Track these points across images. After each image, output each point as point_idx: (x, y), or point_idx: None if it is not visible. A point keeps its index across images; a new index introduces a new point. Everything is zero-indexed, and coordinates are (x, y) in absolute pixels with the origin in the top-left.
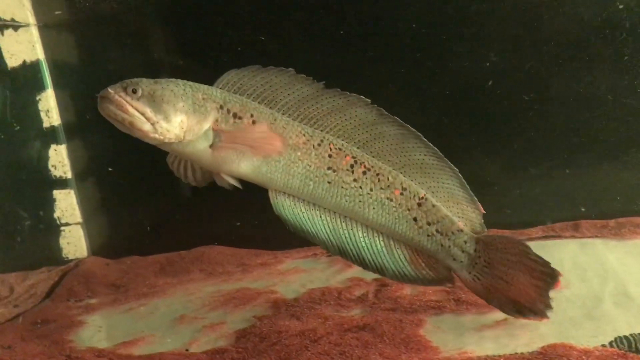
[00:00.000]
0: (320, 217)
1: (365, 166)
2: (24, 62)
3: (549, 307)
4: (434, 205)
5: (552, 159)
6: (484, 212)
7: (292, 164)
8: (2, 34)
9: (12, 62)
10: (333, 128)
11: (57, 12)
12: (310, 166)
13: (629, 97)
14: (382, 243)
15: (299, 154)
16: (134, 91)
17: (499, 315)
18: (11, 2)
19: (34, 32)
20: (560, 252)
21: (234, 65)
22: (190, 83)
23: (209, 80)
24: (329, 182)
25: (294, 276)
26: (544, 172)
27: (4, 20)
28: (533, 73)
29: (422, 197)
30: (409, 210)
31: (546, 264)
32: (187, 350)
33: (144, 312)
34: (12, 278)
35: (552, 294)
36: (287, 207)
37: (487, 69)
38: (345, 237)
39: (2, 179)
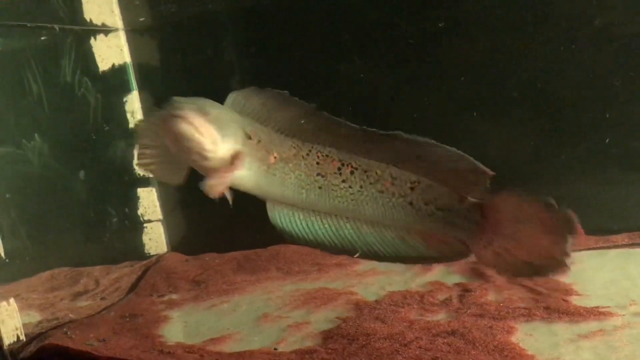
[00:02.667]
0: (321, 222)
1: (352, 166)
2: (113, 65)
3: (566, 255)
4: (428, 186)
5: (633, 166)
6: (491, 174)
7: (285, 176)
8: (95, 39)
9: (103, 65)
10: (322, 142)
11: (141, 19)
12: (301, 175)
13: None
14: (391, 234)
15: (290, 165)
16: (206, 113)
17: (593, 325)
18: (103, 9)
19: (122, 36)
20: None
21: (306, 70)
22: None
23: (289, 85)
24: (319, 188)
25: (372, 278)
26: (629, 177)
27: (97, 25)
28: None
29: (414, 182)
30: (403, 196)
31: (558, 210)
32: (275, 349)
33: (227, 309)
34: (96, 271)
35: None
36: (284, 218)
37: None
38: (352, 236)
39: (94, 176)
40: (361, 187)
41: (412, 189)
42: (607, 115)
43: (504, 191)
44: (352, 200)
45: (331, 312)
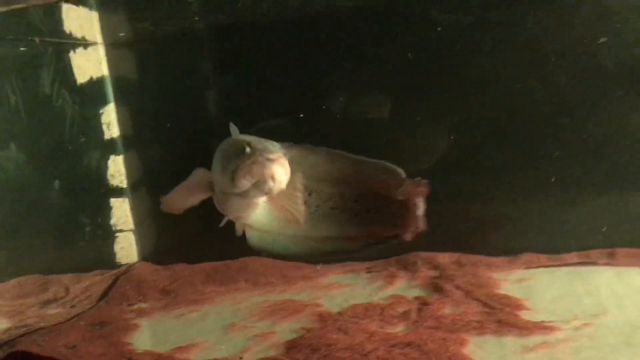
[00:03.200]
0: (291, 239)
1: (310, 189)
2: (91, 78)
3: None
4: (366, 195)
5: (588, 184)
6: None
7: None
8: (74, 52)
9: (81, 78)
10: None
11: (121, 34)
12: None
13: None
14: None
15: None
16: (285, 155)
17: (538, 338)
18: (83, 22)
19: (101, 50)
20: (596, 279)
21: (282, 90)
22: None
23: (264, 104)
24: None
25: (337, 291)
26: (578, 198)
27: (77, 39)
28: (573, 97)
29: (358, 195)
30: (349, 209)
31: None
32: (241, 358)
33: (195, 318)
34: (67, 279)
35: (591, 321)
36: (260, 239)
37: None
38: (315, 248)
39: (68, 186)
40: (317, 206)
41: (356, 201)
42: (557, 139)
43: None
44: (312, 218)
45: (296, 323)
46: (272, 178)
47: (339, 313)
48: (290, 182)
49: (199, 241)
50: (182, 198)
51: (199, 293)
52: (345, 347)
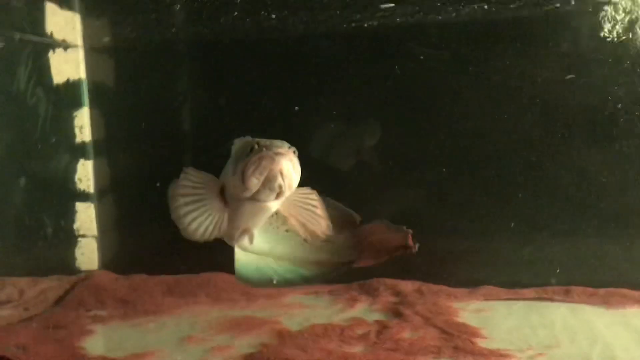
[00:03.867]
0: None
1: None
2: (68, 80)
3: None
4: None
5: (548, 224)
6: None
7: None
8: (54, 52)
9: (58, 79)
10: None
11: (105, 39)
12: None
13: (621, 174)
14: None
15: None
16: (295, 153)
17: None
18: (65, 24)
19: (81, 53)
20: (552, 313)
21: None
22: None
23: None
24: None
25: (298, 310)
26: (538, 237)
27: (57, 40)
28: (539, 138)
29: (305, 221)
30: (298, 235)
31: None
32: None
33: (153, 328)
34: (23, 282)
35: (544, 351)
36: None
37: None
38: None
39: (34, 185)
40: (277, 227)
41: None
42: (520, 178)
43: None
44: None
45: (255, 338)
46: (281, 174)
47: (299, 331)
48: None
49: (162, 253)
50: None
51: (158, 304)
52: None
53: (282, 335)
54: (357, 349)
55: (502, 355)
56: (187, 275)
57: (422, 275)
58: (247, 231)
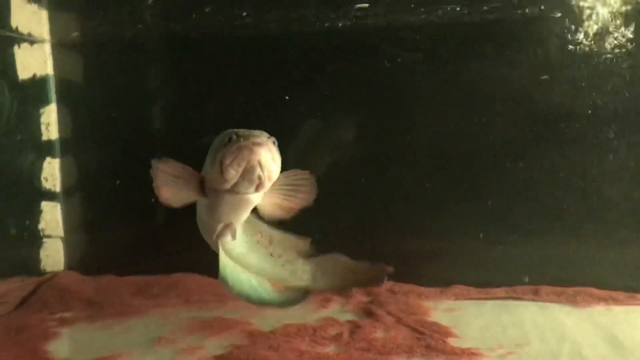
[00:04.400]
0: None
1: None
2: (34, 75)
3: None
4: (279, 242)
5: (519, 224)
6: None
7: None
8: (19, 47)
9: (24, 74)
10: None
11: (73, 34)
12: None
13: (590, 175)
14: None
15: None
16: (274, 143)
17: None
18: (31, 19)
19: (47, 48)
20: (521, 312)
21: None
22: None
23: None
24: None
25: (270, 311)
26: (508, 237)
27: (22, 34)
28: (512, 142)
29: (272, 236)
30: (266, 248)
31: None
32: None
33: (121, 330)
34: None
35: (515, 349)
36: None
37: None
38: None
39: None
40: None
41: (270, 242)
42: (490, 179)
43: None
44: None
45: (226, 339)
46: (260, 164)
47: (271, 332)
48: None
49: (131, 254)
50: (174, 190)
51: (126, 306)
52: None
53: (254, 336)
54: (329, 349)
55: (473, 354)
56: (157, 276)
57: (394, 275)
58: (229, 226)
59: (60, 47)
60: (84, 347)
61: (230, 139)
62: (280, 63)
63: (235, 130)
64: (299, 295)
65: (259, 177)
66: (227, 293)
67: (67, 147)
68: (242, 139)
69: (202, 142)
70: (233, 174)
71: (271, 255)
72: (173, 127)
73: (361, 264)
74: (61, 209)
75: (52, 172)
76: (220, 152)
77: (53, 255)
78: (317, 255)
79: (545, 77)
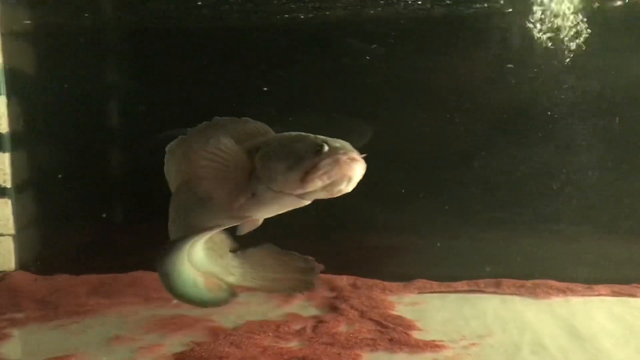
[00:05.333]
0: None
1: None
2: None
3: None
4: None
5: (479, 219)
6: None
7: None
8: None
9: None
10: None
11: (24, 23)
12: None
13: (549, 173)
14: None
15: None
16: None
17: (428, 356)
18: None
19: None
20: (483, 305)
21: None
22: None
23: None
24: None
25: (231, 308)
26: (469, 231)
27: None
28: (473, 137)
29: None
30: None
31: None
32: None
33: (76, 329)
34: None
35: (477, 341)
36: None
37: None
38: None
39: None
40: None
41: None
42: (452, 174)
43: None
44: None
45: (186, 337)
46: (349, 180)
47: (233, 329)
48: None
49: (86, 252)
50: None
51: (81, 305)
52: None
53: (216, 333)
54: (293, 344)
55: (437, 346)
56: (114, 275)
57: (357, 270)
58: (255, 222)
59: (10, 36)
60: (37, 347)
61: (321, 149)
62: (239, 55)
63: (324, 138)
64: (227, 294)
65: (340, 191)
66: None
67: (19, 140)
68: (339, 152)
69: (160, 137)
70: (319, 184)
71: (221, 257)
72: (130, 120)
73: (292, 254)
74: (12, 205)
75: (2, 167)
76: (309, 161)
77: (4, 254)
78: (245, 249)
79: (510, 65)
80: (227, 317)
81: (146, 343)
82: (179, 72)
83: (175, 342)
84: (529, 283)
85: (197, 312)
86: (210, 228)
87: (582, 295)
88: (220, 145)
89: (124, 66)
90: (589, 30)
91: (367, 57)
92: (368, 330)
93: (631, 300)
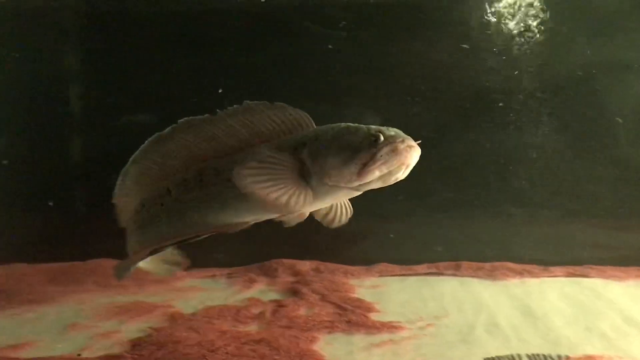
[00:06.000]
0: None
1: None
2: None
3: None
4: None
5: (439, 205)
6: None
7: None
8: None
9: None
10: None
11: None
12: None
13: (509, 156)
14: None
15: None
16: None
17: (385, 336)
18: None
19: None
20: (442, 286)
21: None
22: None
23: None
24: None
25: (192, 294)
26: (429, 216)
27: None
28: (433, 122)
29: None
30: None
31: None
32: (78, 355)
33: (32, 317)
34: None
35: (434, 321)
36: None
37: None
38: None
39: None
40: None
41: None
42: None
43: None
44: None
45: (144, 323)
46: (407, 167)
47: (192, 314)
48: None
49: (43, 241)
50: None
51: (38, 293)
52: (194, 344)
53: (175, 318)
54: (251, 327)
55: (394, 327)
56: (73, 263)
57: (321, 255)
58: (301, 215)
59: None
60: None
61: (377, 139)
62: (198, 39)
63: (377, 128)
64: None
65: (396, 179)
66: (146, 277)
67: None
68: (397, 141)
69: (121, 123)
70: (377, 174)
71: None
72: (86, 106)
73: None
74: None
75: None
76: (366, 153)
77: None
78: None
79: (465, 46)
80: (188, 303)
81: (103, 330)
82: (136, 56)
83: (133, 329)
84: (487, 265)
85: (156, 298)
86: (246, 222)
87: (538, 276)
88: (265, 158)
89: (78, 50)
90: (547, 17)
91: (327, 43)
92: (327, 313)
93: (584, 280)
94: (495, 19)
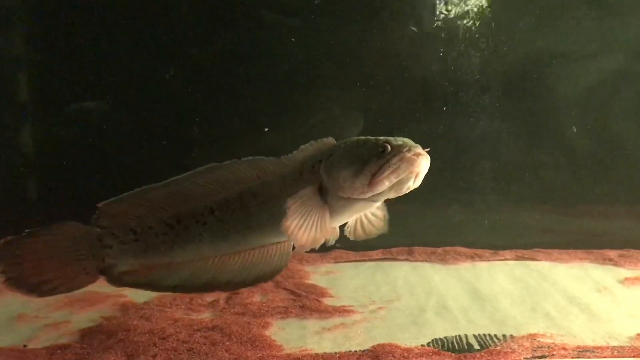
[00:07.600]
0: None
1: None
2: None
3: None
4: None
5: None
6: None
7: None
8: None
9: None
10: None
11: None
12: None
13: (461, 142)
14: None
15: None
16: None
17: (337, 320)
18: None
19: None
20: (395, 271)
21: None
22: None
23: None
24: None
25: None
26: (387, 205)
27: None
28: (390, 109)
29: None
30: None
31: None
32: (25, 346)
33: None
34: None
35: (385, 305)
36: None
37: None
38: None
39: None
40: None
41: None
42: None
43: None
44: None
45: (95, 313)
46: (417, 175)
47: (145, 303)
48: None
49: None
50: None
51: None
52: (145, 332)
53: (126, 308)
54: (204, 315)
55: (346, 311)
56: None
57: None
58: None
59: None
60: None
61: (384, 149)
62: (150, 24)
63: (385, 138)
64: None
65: (408, 188)
66: None
67: None
68: (404, 150)
69: (70, 110)
70: (387, 185)
71: None
72: (39, 92)
73: None
74: None
75: None
76: (374, 164)
77: None
78: None
79: (413, 28)
80: (141, 292)
81: (52, 321)
82: (88, 42)
83: (84, 319)
84: (439, 250)
85: (108, 288)
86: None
87: (488, 260)
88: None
89: (30, 35)
90: (499, 6)
91: (283, 30)
92: (281, 299)
93: (531, 263)
94: (450, 7)
